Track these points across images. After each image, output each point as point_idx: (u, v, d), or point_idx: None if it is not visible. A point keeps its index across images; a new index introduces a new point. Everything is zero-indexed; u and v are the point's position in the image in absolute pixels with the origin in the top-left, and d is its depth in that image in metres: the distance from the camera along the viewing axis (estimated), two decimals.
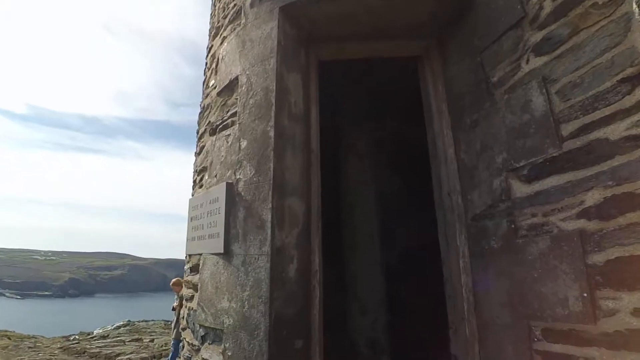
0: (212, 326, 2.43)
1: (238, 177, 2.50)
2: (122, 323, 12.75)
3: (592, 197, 1.66)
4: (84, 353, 8.83)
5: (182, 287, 5.88)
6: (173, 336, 5.86)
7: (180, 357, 3.27)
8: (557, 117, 1.83)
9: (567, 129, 1.79)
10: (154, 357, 8.03)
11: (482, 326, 2.18)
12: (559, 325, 1.74)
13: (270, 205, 2.22)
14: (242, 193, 2.43)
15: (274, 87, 2.43)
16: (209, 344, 2.48)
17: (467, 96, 2.42)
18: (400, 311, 3.88)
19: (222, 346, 2.28)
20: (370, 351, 3.73)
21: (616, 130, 1.60)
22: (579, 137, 1.74)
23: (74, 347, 9.29)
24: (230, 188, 2.53)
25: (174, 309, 5.87)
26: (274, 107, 2.40)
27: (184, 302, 3.28)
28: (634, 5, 1.50)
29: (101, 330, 11.87)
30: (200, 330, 2.60)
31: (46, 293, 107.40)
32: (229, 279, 2.36)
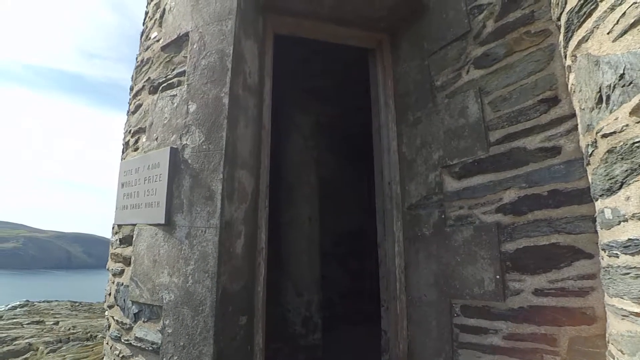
0: (148, 302, 2.33)
1: (185, 142, 2.38)
2: (18, 303, 11.32)
3: (509, 196, 1.98)
4: None
5: None
6: None
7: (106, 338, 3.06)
8: (488, 124, 2.12)
9: (494, 135, 2.09)
10: (61, 342, 7.33)
11: (411, 304, 2.46)
12: (475, 302, 2.06)
13: (221, 176, 2.17)
14: (189, 160, 2.33)
15: (231, 52, 2.34)
16: (143, 321, 2.38)
17: (413, 94, 2.64)
18: (332, 291, 4.12)
19: (161, 323, 2.21)
20: (303, 329, 3.92)
21: (532, 142, 1.92)
22: (503, 143, 2.04)
23: None
24: (175, 154, 2.39)
25: None
26: (229, 73, 2.32)
27: (110, 277, 3.08)
28: (559, 38, 1.79)
29: None
30: (133, 307, 2.47)
31: None
32: (170, 252, 2.27)
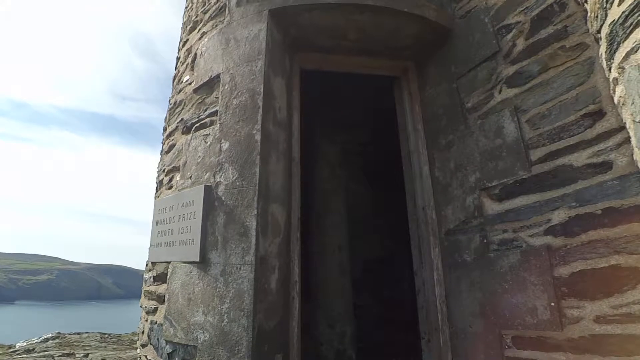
0: (182, 342, 2.28)
1: (218, 180, 2.40)
2: (50, 335, 11.49)
3: (558, 216, 1.86)
4: None
5: None
6: None
7: None
8: (527, 143, 2.03)
9: (535, 154, 1.99)
10: None
11: (454, 336, 2.30)
12: (528, 332, 1.90)
13: (255, 212, 2.15)
14: (223, 197, 2.33)
15: (262, 90, 2.40)
16: None
17: (443, 118, 2.58)
18: (366, 321, 3.95)
19: None
20: None
21: (579, 158, 1.81)
22: (547, 162, 1.94)
23: None
24: (209, 191, 2.41)
25: None
26: (260, 110, 2.36)
27: (143, 314, 3.05)
28: (600, 51, 1.71)
29: (25, 344, 10.60)
30: (167, 346, 2.42)
31: None
32: (205, 290, 2.24)
